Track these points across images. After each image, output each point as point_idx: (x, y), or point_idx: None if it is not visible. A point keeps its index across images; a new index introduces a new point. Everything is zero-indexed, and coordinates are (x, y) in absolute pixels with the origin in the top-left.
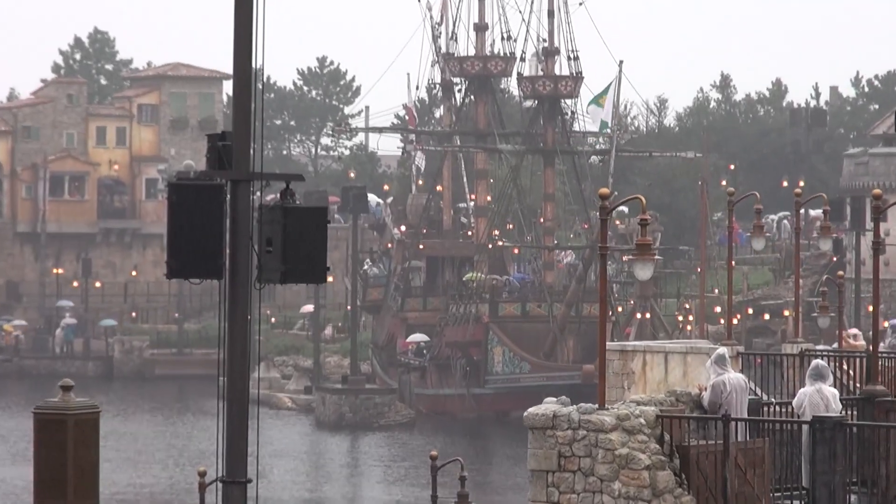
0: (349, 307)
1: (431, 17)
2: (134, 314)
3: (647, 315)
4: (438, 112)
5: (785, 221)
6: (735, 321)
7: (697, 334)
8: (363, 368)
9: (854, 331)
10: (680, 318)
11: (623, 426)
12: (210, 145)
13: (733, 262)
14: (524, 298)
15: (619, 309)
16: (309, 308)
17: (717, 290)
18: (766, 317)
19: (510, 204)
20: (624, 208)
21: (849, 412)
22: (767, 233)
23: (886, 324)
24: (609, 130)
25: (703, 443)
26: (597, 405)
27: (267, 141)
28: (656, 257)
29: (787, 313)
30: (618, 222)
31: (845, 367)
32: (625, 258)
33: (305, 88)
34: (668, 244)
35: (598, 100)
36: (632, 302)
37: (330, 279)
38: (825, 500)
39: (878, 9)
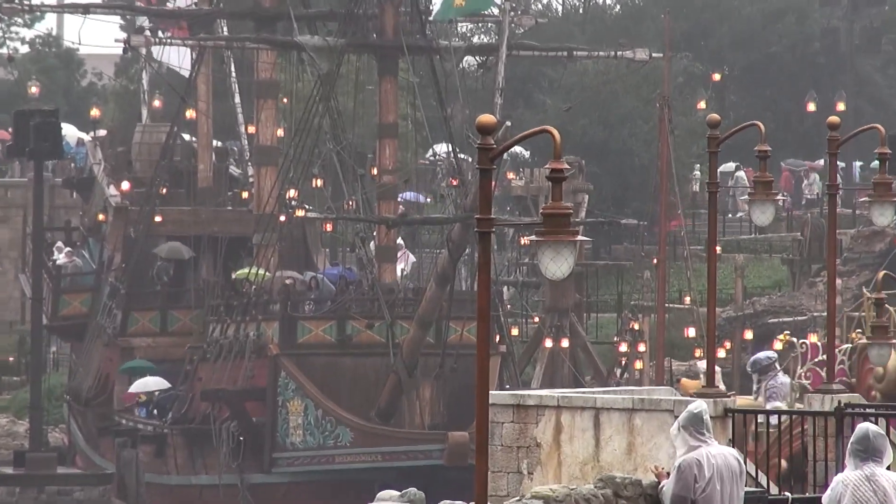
0: (28, 326)
1: None
2: None
3: (565, 342)
4: None
5: (815, 176)
6: (722, 352)
7: (653, 376)
8: (52, 438)
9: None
10: (623, 348)
11: None
12: None
13: (718, 248)
14: (343, 313)
15: (515, 332)
16: None
17: (688, 298)
18: (778, 345)
19: (318, 143)
20: (522, 150)
21: None
22: (780, 196)
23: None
24: (495, 11)
25: None
26: None
27: None
28: (578, 238)
29: (813, 338)
30: (511, 176)
31: None
32: (525, 239)
33: None
34: (603, 214)
35: None
36: (537, 319)
37: None
38: None
39: None
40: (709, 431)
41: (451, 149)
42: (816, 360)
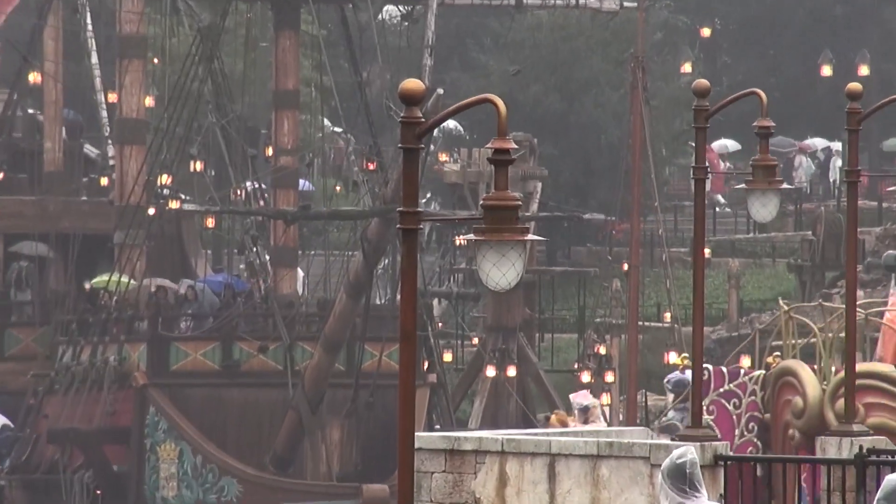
0: None
1: None
2: None
3: (512, 371)
4: None
5: (803, 159)
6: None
7: (624, 415)
8: None
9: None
10: (586, 378)
11: None
12: None
13: (707, 251)
14: (229, 333)
15: (449, 357)
16: None
17: (668, 315)
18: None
19: (198, 116)
20: (458, 125)
21: None
22: (788, 184)
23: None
24: None
25: None
26: None
27: None
28: (529, 237)
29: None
30: (444, 158)
31: None
32: (460, 239)
33: None
34: (561, 207)
35: None
36: (476, 341)
37: None
38: None
39: None
40: (697, 486)
41: (366, 123)
42: (721, 390)
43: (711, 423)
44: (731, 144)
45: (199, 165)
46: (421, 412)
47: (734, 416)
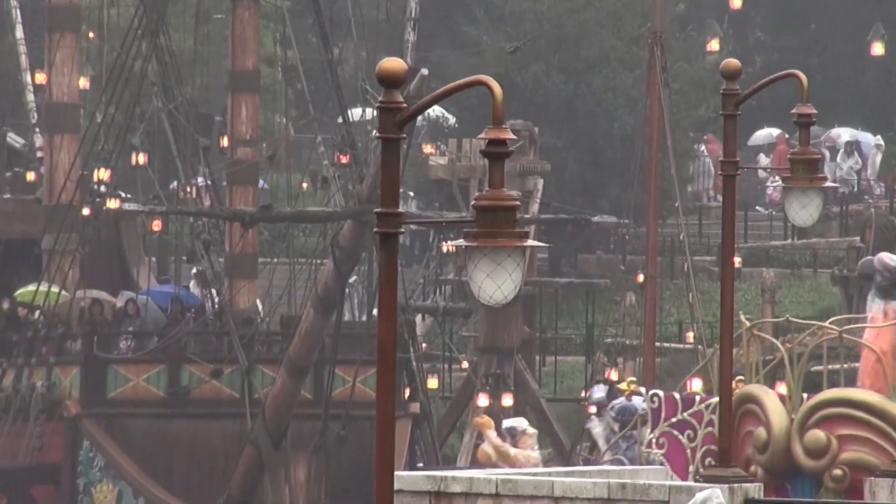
0: None
1: None
2: None
3: (508, 399)
4: None
5: (878, 151)
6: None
7: (640, 451)
8: None
9: None
10: (595, 408)
11: None
12: None
13: (737, 260)
14: (176, 354)
15: (434, 383)
16: None
17: (691, 334)
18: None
19: (142, 100)
20: (445, 112)
21: None
22: (835, 180)
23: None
24: None
25: None
26: None
27: None
28: (529, 243)
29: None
30: (429, 150)
31: None
32: (448, 245)
33: None
34: (566, 208)
35: None
36: (467, 364)
37: None
38: None
39: None
40: None
41: (339, 109)
42: (674, 419)
43: (661, 457)
44: (767, 135)
45: (142, 158)
46: (401, 447)
47: (688, 451)
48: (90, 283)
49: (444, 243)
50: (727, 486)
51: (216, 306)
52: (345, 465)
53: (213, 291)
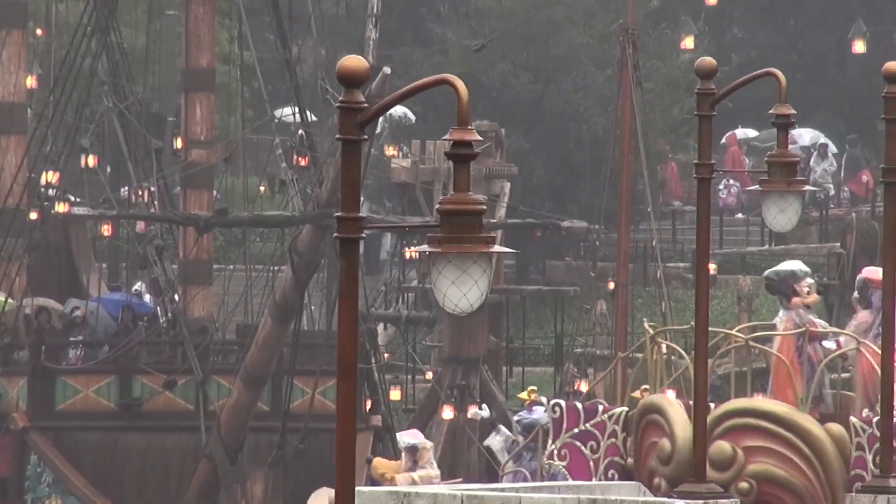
0: None
1: None
2: None
3: (474, 411)
4: None
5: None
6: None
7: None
8: None
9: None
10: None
11: None
12: None
13: (712, 267)
14: (128, 365)
15: (397, 395)
16: None
17: (663, 344)
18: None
19: (91, 99)
20: (408, 113)
21: None
22: (814, 183)
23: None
24: None
25: None
26: None
27: None
28: (496, 249)
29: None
30: (391, 152)
31: None
32: (411, 250)
33: None
34: (534, 213)
35: None
36: (431, 375)
37: None
38: None
39: None
40: None
41: (296, 109)
42: (576, 430)
43: (563, 469)
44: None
45: (91, 160)
46: (363, 462)
47: (591, 462)
48: (38, 291)
49: (406, 249)
50: (703, 502)
51: (169, 315)
52: (303, 481)
53: (166, 299)
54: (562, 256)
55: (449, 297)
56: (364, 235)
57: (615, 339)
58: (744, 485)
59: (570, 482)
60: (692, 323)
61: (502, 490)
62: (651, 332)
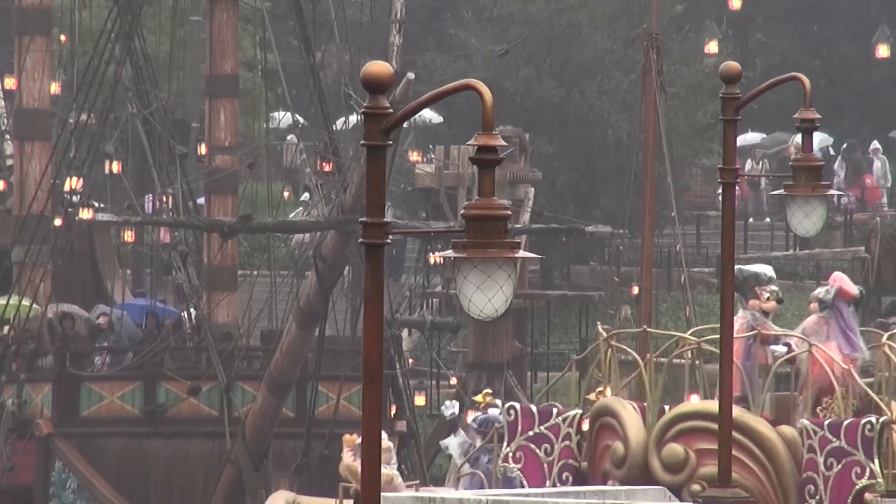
0: None
1: None
2: None
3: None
4: None
5: (875, 156)
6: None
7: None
8: None
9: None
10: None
11: None
12: None
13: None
14: (152, 371)
15: (422, 400)
16: None
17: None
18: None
19: (115, 106)
20: (433, 118)
21: None
22: (838, 191)
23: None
24: None
25: None
26: None
27: None
28: (520, 255)
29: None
30: (416, 157)
31: None
32: (436, 256)
33: None
34: (558, 218)
35: None
36: (455, 380)
37: None
38: None
39: None
40: None
41: (321, 115)
42: (531, 433)
43: (518, 472)
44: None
45: (115, 166)
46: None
47: (545, 465)
48: (63, 297)
49: (431, 254)
50: None
51: (194, 321)
52: (328, 486)
53: (191, 305)
54: (586, 261)
55: (474, 302)
56: (389, 241)
57: (640, 344)
58: (696, 487)
59: (596, 487)
60: (645, 327)
61: (527, 496)
62: (604, 335)
